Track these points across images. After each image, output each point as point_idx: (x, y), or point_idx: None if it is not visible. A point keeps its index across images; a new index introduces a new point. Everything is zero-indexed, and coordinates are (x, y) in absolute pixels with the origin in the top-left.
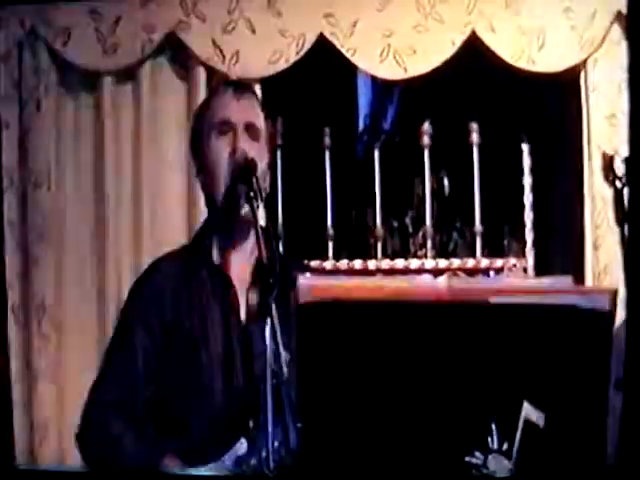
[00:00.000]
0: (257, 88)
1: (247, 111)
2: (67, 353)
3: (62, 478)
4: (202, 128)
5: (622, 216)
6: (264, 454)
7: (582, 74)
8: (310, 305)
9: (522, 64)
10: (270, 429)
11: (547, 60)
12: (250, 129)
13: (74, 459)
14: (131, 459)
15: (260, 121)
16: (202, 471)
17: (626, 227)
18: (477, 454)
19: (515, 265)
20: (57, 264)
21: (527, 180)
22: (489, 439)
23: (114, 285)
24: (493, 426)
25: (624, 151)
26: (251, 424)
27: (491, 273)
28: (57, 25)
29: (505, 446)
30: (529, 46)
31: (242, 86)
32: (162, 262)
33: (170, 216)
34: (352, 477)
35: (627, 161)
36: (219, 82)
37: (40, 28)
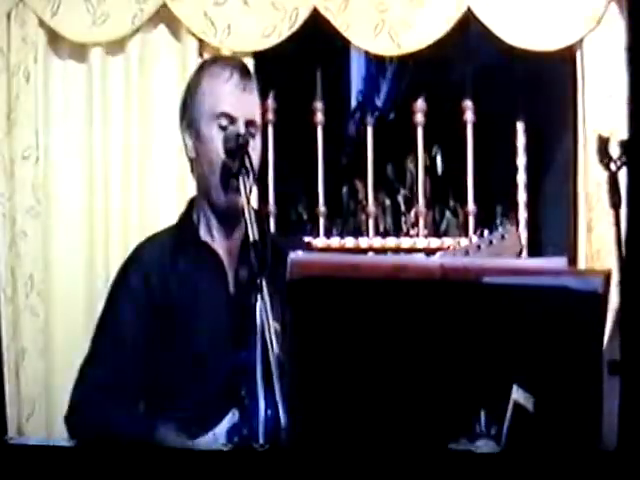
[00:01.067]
0: (250, 62)
1: (249, 107)
2: (56, 328)
3: (55, 452)
4: (198, 112)
5: (616, 199)
6: (255, 424)
7: (578, 53)
8: (300, 281)
9: (518, 42)
10: (261, 402)
11: (543, 38)
12: (250, 126)
13: (61, 435)
14: (123, 437)
15: (258, 117)
16: (194, 442)
17: (621, 210)
18: (463, 441)
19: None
20: (46, 238)
21: (521, 160)
22: (478, 423)
23: (102, 261)
24: (482, 409)
25: (620, 133)
26: (243, 394)
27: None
28: None
29: (494, 430)
30: (525, 24)
31: (243, 73)
32: (150, 241)
33: (161, 190)
34: (340, 452)
35: (627, 143)
36: (216, 58)
37: None
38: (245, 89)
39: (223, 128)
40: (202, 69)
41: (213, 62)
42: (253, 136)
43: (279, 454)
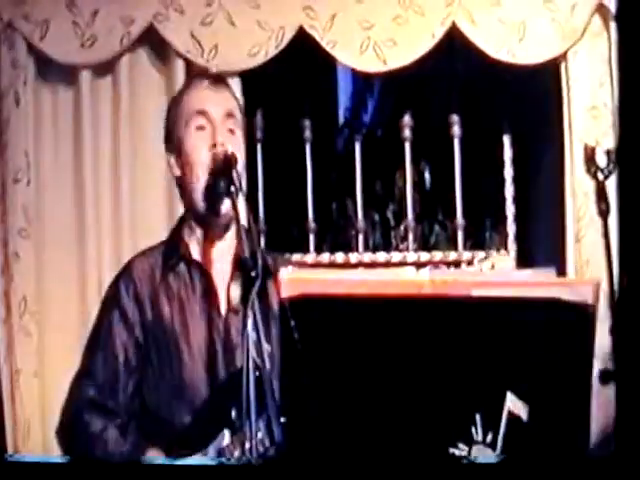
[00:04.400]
0: (237, 81)
1: (224, 102)
2: (49, 348)
3: (52, 469)
4: (178, 121)
5: (604, 208)
6: (247, 445)
7: (563, 66)
8: (292, 299)
9: (503, 56)
10: (253, 420)
11: (528, 52)
12: (228, 120)
13: (58, 454)
14: (112, 455)
15: (237, 112)
16: (185, 462)
17: (609, 218)
18: (461, 446)
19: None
20: (38, 259)
21: (508, 172)
22: (473, 431)
23: (95, 280)
24: (477, 418)
25: (606, 143)
26: (234, 415)
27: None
28: (34, 18)
29: (489, 437)
30: (510, 38)
31: (216, 78)
32: (139, 259)
33: (151, 211)
34: (336, 469)
35: (616, 153)
36: (194, 76)
37: (17, 21)
38: (217, 89)
39: (200, 128)
40: (180, 90)
41: (189, 80)
42: (232, 132)
43: (274, 471)
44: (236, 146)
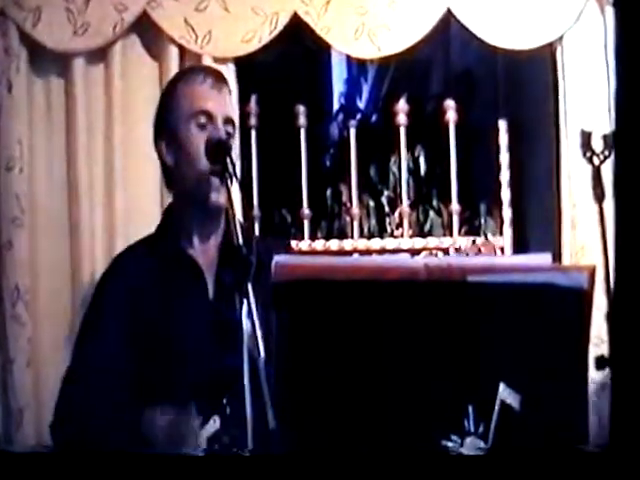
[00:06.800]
0: (231, 67)
1: (226, 105)
2: (42, 337)
3: (44, 460)
4: (174, 112)
5: (600, 194)
6: (237, 431)
7: (558, 50)
8: (286, 284)
9: (498, 42)
10: (248, 407)
11: (523, 37)
12: (227, 125)
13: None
14: (108, 446)
15: (236, 117)
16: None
17: (604, 203)
18: (453, 437)
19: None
20: (31, 248)
21: (504, 158)
22: (465, 421)
23: (88, 270)
24: (470, 408)
25: (602, 128)
26: (224, 402)
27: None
28: (27, 5)
29: (481, 428)
30: (504, 23)
31: (217, 77)
32: (129, 250)
33: (144, 200)
34: (328, 455)
35: (612, 136)
36: (189, 68)
37: (9, 8)
38: (221, 91)
39: (202, 126)
40: (176, 79)
41: (186, 71)
42: (232, 136)
43: (266, 460)
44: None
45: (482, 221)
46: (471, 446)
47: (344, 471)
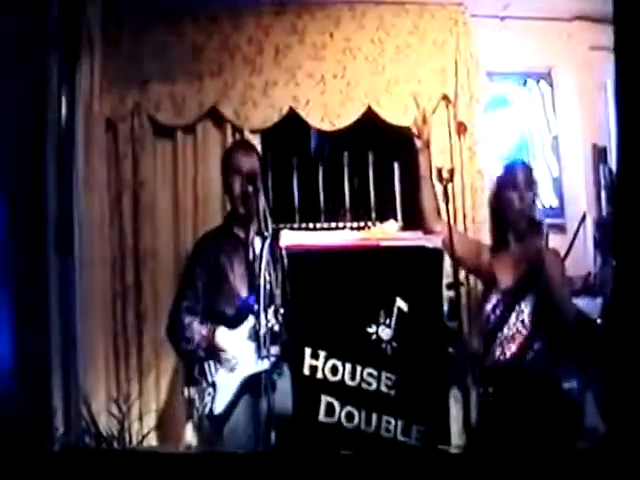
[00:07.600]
0: (257, 136)
1: (252, 164)
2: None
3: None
4: (226, 169)
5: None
6: (263, 329)
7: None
8: (289, 249)
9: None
10: (269, 311)
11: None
12: (251, 174)
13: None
14: (192, 333)
15: (258, 169)
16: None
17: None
18: (373, 325)
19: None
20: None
21: (397, 176)
22: (381, 317)
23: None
24: (382, 310)
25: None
26: (255, 307)
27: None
28: (154, 98)
29: (388, 321)
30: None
31: (247, 147)
32: (205, 234)
33: (215, 208)
34: (322, 454)
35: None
36: (234, 142)
37: (144, 103)
38: (248, 154)
39: (237, 173)
40: (227, 152)
41: (233, 146)
42: (255, 182)
43: (261, 457)
44: (258, 191)
45: (386, 212)
46: (383, 334)
47: (340, 470)
